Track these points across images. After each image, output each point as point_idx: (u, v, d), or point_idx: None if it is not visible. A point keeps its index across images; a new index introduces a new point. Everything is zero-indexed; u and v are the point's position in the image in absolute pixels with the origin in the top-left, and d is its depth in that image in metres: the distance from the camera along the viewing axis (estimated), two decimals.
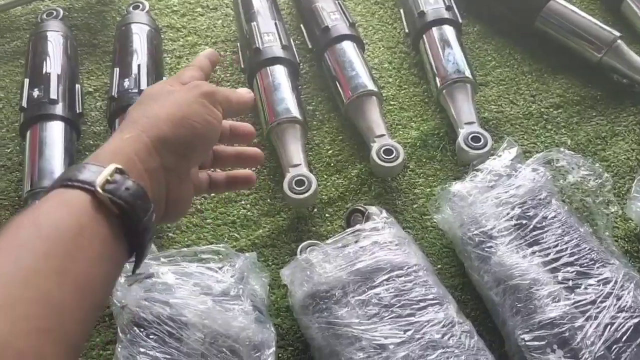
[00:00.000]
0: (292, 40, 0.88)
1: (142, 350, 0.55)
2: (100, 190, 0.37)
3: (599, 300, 0.58)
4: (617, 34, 0.85)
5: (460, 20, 0.88)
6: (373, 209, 0.67)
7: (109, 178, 0.38)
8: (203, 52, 0.57)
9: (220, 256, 0.63)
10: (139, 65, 0.81)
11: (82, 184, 0.38)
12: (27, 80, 0.80)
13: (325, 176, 0.79)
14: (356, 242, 0.63)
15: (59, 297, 0.33)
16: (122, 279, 0.60)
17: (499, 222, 0.64)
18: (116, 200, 0.38)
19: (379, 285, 0.59)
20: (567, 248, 0.62)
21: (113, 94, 0.78)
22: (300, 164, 0.74)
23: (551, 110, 0.84)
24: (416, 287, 0.59)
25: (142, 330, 0.56)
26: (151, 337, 0.56)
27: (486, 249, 0.63)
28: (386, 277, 0.60)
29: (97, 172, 0.38)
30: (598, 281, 0.59)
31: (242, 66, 0.86)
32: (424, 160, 0.79)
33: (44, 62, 0.82)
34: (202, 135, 0.47)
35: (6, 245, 0.34)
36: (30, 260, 0.33)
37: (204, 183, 0.56)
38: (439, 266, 0.70)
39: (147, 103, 0.47)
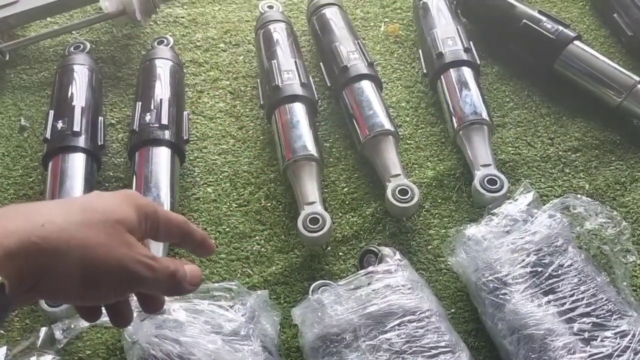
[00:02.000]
0: (311, 78, 0.90)
1: None
2: None
3: (616, 354, 0.56)
4: (637, 78, 0.85)
5: (478, 62, 0.89)
6: (386, 250, 0.67)
7: None
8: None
9: (232, 294, 0.64)
10: (160, 100, 0.82)
11: None
12: (51, 112, 0.82)
13: (340, 214, 0.79)
14: (369, 284, 0.63)
15: None
16: (134, 314, 0.60)
17: (514, 269, 0.63)
18: None
19: (391, 330, 0.59)
20: (583, 298, 0.61)
21: (134, 127, 0.79)
22: (315, 202, 0.74)
23: (569, 153, 0.84)
24: (428, 333, 0.59)
25: None
26: None
27: (500, 296, 0.62)
28: (398, 322, 0.59)
29: None
30: (615, 334, 0.58)
31: (261, 102, 0.87)
32: (440, 200, 0.79)
33: (69, 95, 0.84)
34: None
35: None
36: None
37: None
38: (452, 310, 0.69)
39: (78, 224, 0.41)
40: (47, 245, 0.38)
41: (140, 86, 0.87)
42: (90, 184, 0.77)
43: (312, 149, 0.79)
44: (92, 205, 0.42)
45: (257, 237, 0.77)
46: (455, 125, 0.82)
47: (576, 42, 0.90)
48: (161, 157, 0.78)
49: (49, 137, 0.79)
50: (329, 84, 0.89)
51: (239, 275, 0.73)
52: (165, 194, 0.74)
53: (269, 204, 0.80)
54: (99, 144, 0.82)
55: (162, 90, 0.85)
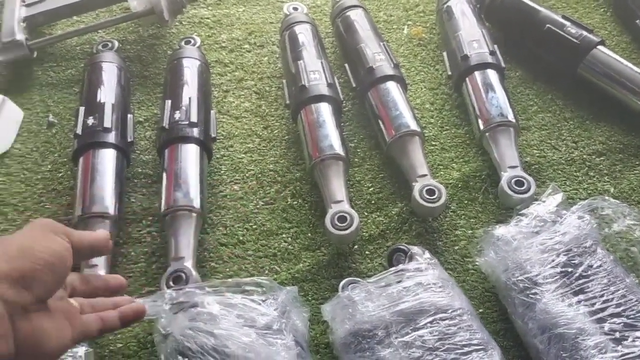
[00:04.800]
0: (336, 79, 0.90)
1: None
2: None
3: None
4: None
5: (503, 65, 0.89)
6: (416, 249, 0.67)
7: None
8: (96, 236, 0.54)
9: (264, 289, 0.64)
10: (189, 98, 0.83)
11: None
12: (82, 109, 0.83)
13: (366, 213, 0.79)
14: (399, 282, 0.63)
15: None
16: (167, 307, 0.61)
17: (545, 269, 0.64)
18: None
19: (423, 327, 0.59)
20: (613, 298, 0.61)
21: (164, 124, 0.80)
22: (342, 200, 0.75)
23: (594, 157, 0.84)
24: (460, 331, 0.59)
25: (186, 359, 0.57)
26: None
27: (531, 296, 0.63)
28: (430, 319, 0.59)
29: None
30: None
31: (287, 102, 0.88)
32: (466, 201, 0.80)
33: (99, 92, 0.85)
34: (48, 264, 0.45)
35: None
36: None
37: (91, 324, 0.52)
38: (480, 310, 0.69)
39: None
40: None
41: (168, 84, 0.88)
42: (121, 180, 0.78)
43: (338, 148, 0.79)
44: None
45: (284, 235, 0.78)
46: (482, 126, 0.82)
47: (600, 47, 0.90)
48: (190, 154, 0.79)
49: (79, 133, 0.80)
50: (354, 85, 0.90)
51: (266, 271, 0.74)
52: (195, 190, 0.75)
53: (295, 202, 0.81)
54: (129, 140, 0.83)
55: (191, 88, 0.86)
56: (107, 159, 0.78)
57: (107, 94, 0.85)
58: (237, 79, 0.97)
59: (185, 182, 0.76)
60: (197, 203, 0.74)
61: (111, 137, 0.80)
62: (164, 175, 0.77)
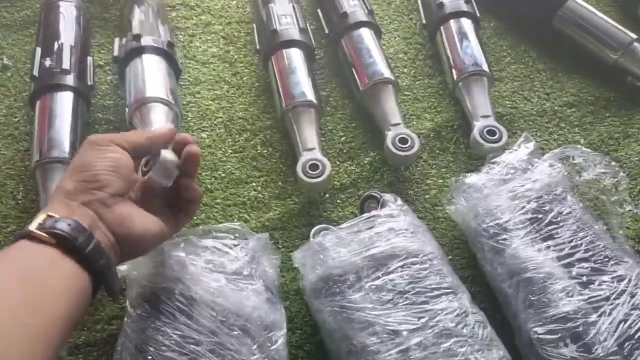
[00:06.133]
0: (308, 25, 0.87)
1: (151, 325, 0.54)
2: (36, 231, 0.47)
3: (613, 297, 0.57)
4: (634, 36, 0.85)
5: (478, 14, 0.88)
6: (388, 196, 0.67)
7: (40, 222, 0.47)
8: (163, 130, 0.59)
9: (236, 235, 0.62)
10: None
11: (25, 234, 0.47)
12: (38, 49, 0.78)
13: (338, 162, 0.78)
14: (371, 227, 0.62)
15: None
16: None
17: (515, 215, 0.64)
18: (51, 231, 0.46)
19: (394, 271, 0.59)
20: (581, 244, 0.62)
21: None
22: (314, 148, 0.73)
23: (565, 109, 0.84)
24: (431, 275, 0.59)
25: (151, 305, 0.55)
26: (161, 312, 0.55)
27: (500, 241, 0.63)
28: (401, 264, 0.59)
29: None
30: (612, 278, 0.59)
31: (258, 47, 0.85)
32: (437, 151, 0.79)
33: (57, 32, 0.81)
34: (108, 168, 0.52)
35: None
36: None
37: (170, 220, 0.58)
38: (449, 257, 0.69)
39: None
40: None
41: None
42: (80, 125, 0.74)
43: (310, 95, 0.77)
44: None
45: (253, 184, 0.76)
46: (455, 76, 0.81)
47: None
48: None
49: (36, 75, 0.75)
50: (327, 31, 0.87)
51: (235, 220, 0.72)
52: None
53: (265, 151, 0.79)
54: (89, 83, 0.79)
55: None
56: (65, 103, 0.74)
57: (65, 34, 0.80)
58: (203, 23, 0.93)
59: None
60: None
61: (70, 80, 0.76)
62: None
